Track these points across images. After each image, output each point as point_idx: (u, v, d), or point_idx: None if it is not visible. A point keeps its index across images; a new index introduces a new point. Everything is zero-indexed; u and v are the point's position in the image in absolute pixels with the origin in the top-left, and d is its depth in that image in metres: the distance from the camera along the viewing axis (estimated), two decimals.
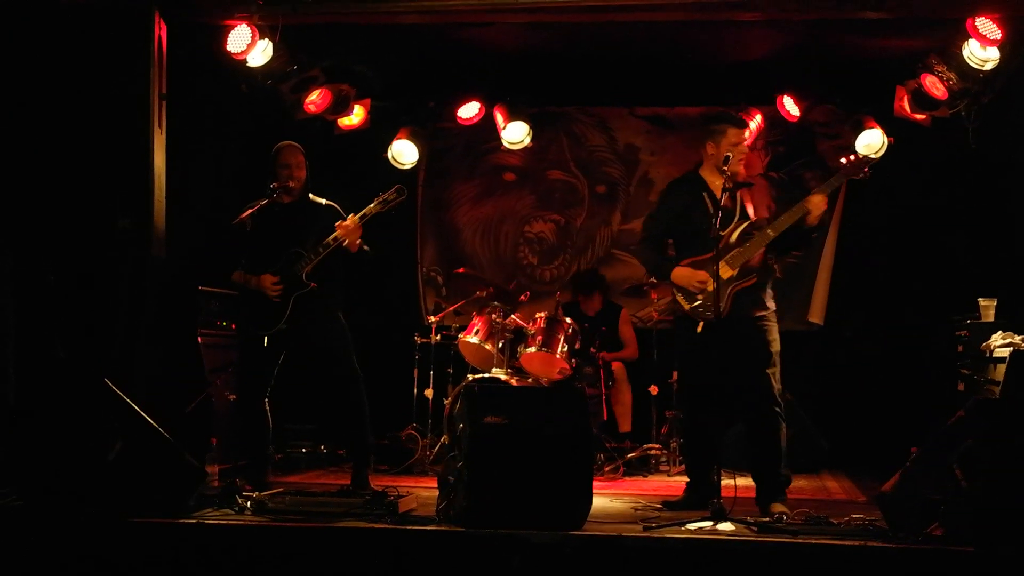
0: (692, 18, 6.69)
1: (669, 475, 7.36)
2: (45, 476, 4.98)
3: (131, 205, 6.37)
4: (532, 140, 8.31)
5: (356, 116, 7.80)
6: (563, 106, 9.06)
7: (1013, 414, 4.56)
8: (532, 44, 7.57)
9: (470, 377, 7.09)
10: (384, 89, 8.05)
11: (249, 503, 5.06)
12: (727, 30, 7.21)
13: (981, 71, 6.49)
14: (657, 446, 7.62)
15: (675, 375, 7.60)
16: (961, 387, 6.50)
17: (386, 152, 8.20)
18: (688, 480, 5.88)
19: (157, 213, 6.44)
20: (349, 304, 6.21)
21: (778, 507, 5.32)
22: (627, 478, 7.17)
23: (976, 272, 7.46)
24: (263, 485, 5.77)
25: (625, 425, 7.90)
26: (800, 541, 4.49)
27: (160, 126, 6.49)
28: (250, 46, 6.51)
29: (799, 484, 6.36)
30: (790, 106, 7.94)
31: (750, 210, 5.67)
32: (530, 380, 7.09)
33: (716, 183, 5.61)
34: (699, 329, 5.54)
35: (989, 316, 6.48)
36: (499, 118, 8.20)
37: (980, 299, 6.55)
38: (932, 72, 6.73)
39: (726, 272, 5.53)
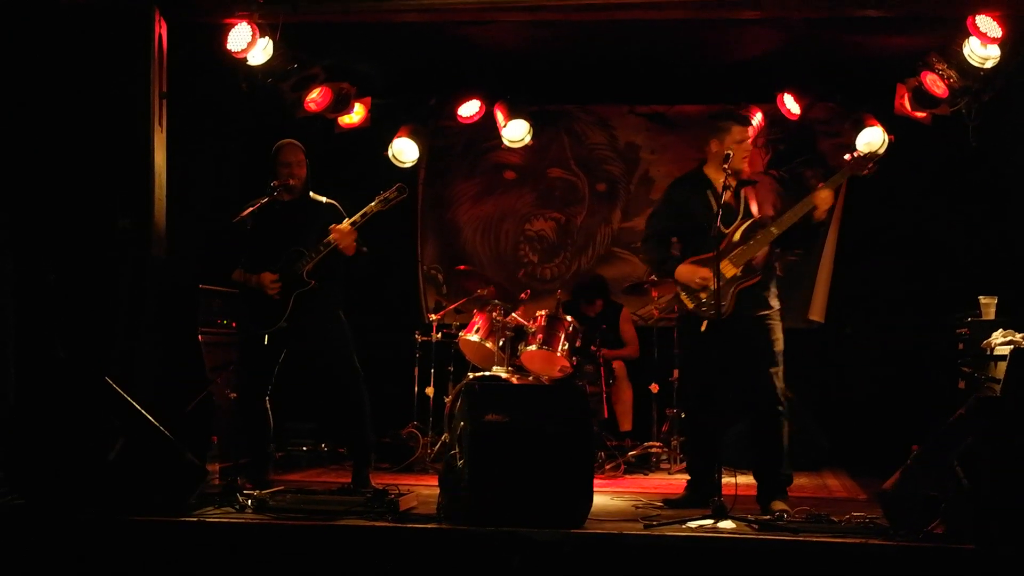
0: (692, 16, 6.69)
1: (670, 473, 7.35)
2: (45, 476, 4.98)
3: (131, 204, 6.37)
4: (532, 138, 8.31)
5: (356, 114, 7.80)
6: (563, 104, 9.05)
7: (1014, 412, 4.55)
8: (532, 42, 7.56)
9: (471, 375, 7.10)
10: (384, 87, 8.05)
11: (250, 501, 5.06)
12: (727, 28, 7.20)
13: (982, 69, 6.48)
14: (658, 444, 7.62)
15: (675, 373, 7.61)
16: (962, 385, 6.49)
17: (386, 150, 8.20)
18: (689, 478, 5.88)
19: (158, 212, 6.44)
20: (350, 302, 6.21)
21: (779, 505, 5.33)
22: (628, 476, 7.17)
23: (976, 272, 7.46)
24: (264, 483, 5.78)
25: (626, 424, 7.90)
26: (801, 539, 4.49)
27: (161, 125, 6.49)
28: (250, 44, 6.51)
29: (800, 482, 6.36)
30: (790, 104, 7.93)
31: (754, 208, 5.65)
32: (531, 378, 7.10)
33: (720, 181, 5.58)
34: (703, 328, 5.52)
35: (990, 314, 6.48)
36: (499, 116, 8.20)
37: (981, 297, 6.55)
38: (933, 70, 6.72)
39: (730, 271, 5.52)
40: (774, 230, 5.52)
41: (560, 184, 9.16)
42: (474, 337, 7.30)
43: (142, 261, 6.33)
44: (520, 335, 7.30)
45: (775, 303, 5.67)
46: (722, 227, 5.53)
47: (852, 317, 8.49)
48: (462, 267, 8.11)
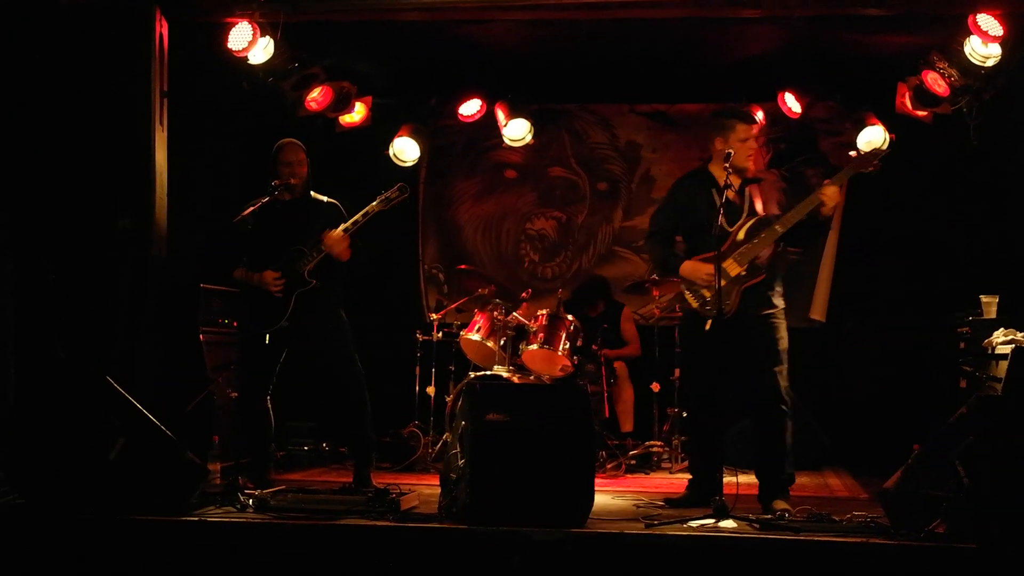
0: (693, 14, 6.70)
1: (671, 472, 7.35)
2: (45, 476, 4.97)
3: (131, 204, 6.37)
4: (533, 137, 8.31)
5: (357, 114, 7.80)
6: (564, 103, 9.05)
7: (1015, 411, 4.54)
8: (533, 41, 7.56)
9: (472, 374, 7.10)
10: (385, 86, 8.05)
11: (251, 501, 5.06)
12: (728, 26, 7.20)
13: (983, 67, 6.48)
14: (659, 443, 7.62)
15: (677, 372, 7.61)
16: (963, 384, 6.50)
17: (387, 150, 8.20)
18: (691, 477, 5.88)
19: (159, 211, 6.44)
20: (350, 302, 6.21)
21: (780, 504, 5.32)
22: (629, 475, 7.17)
23: (977, 271, 7.45)
24: (265, 483, 5.77)
25: (627, 425, 7.88)
26: (802, 538, 4.48)
27: (162, 124, 6.50)
28: (251, 44, 6.51)
29: (801, 481, 6.35)
30: (791, 103, 7.92)
31: (759, 206, 5.61)
32: (532, 377, 7.11)
33: (729, 178, 5.55)
34: (707, 327, 5.47)
35: (991, 313, 6.48)
36: (500, 115, 8.20)
37: (982, 296, 6.54)
38: (934, 68, 6.71)
39: (734, 269, 5.49)
40: (779, 228, 5.49)
41: (561, 183, 9.16)
42: (475, 336, 7.30)
43: (142, 261, 6.33)
44: (521, 334, 7.30)
45: (779, 302, 5.65)
46: (726, 225, 5.51)
47: (853, 316, 8.48)
48: (463, 267, 8.11)
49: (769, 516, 4.97)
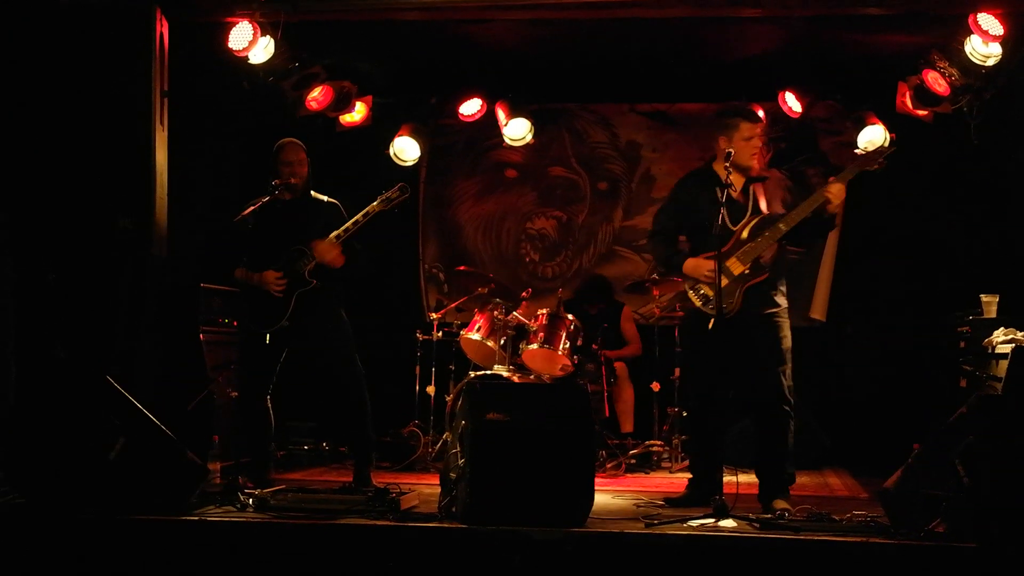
0: (693, 14, 6.69)
1: (671, 472, 7.36)
2: (45, 476, 4.97)
3: (131, 204, 6.37)
4: (534, 137, 8.29)
5: (358, 113, 7.79)
6: (564, 103, 9.05)
7: (1015, 410, 4.54)
8: (533, 41, 7.56)
9: (472, 374, 7.11)
10: (386, 86, 8.04)
11: (251, 500, 5.06)
12: (728, 26, 7.20)
13: (983, 67, 6.47)
14: (659, 443, 7.62)
15: (677, 372, 7.61)
16: (963, 383, 6.49)
17: (388, 149, 8.20)
18: (691, 476, 5.87)
19: (159, 211, 6.44)
20: (350, 302, 6.21)
21: (780, 504, 5.32)
22: (629, 475, 7.17)
23: (977, 271, 7.45)
24: (265, 482, 5.78)
25: (627, 425, 7.87)
26: (802, 538, 4.48)
27: (162, 124, 6.50)
28: (251, 43, 6.51)
29: (801, 480, 6.35)
30: (792, 102, 7.91)
31: (763, 204, 5.59)
32: (532, 377, 7.11)
33: (729, 177, 5.51)
34: (710, 326, 5.43)
35: (991, 312, 6.48)
36: (501, 115, 8.19)
37: (982, 295, 6.54)
38: (934, 68, 6.71)
39: (737, 268, 5.48)
40: (782, 227, 5.47)
41: (561, 182, 9.15)
42: (475, 336, 7.30)
43: (142, 261, 6.33)
44: (521, 334, 7.31)
45: (783, 301, 5.64)
46: (730, 224, 5.51)
47: (853, 316, 8.48)
48: (462, 268, 8.09)
49: (769, 515, 4.97)
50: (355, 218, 5.95)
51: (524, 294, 7.73)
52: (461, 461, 4.88)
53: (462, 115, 8.35)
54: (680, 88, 8.63)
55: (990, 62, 6.43)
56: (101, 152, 6.39)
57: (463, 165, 9.21)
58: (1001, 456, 4.37)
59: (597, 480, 5.00)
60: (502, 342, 7.24)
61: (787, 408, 5.50)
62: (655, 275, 7.75)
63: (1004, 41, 6.26)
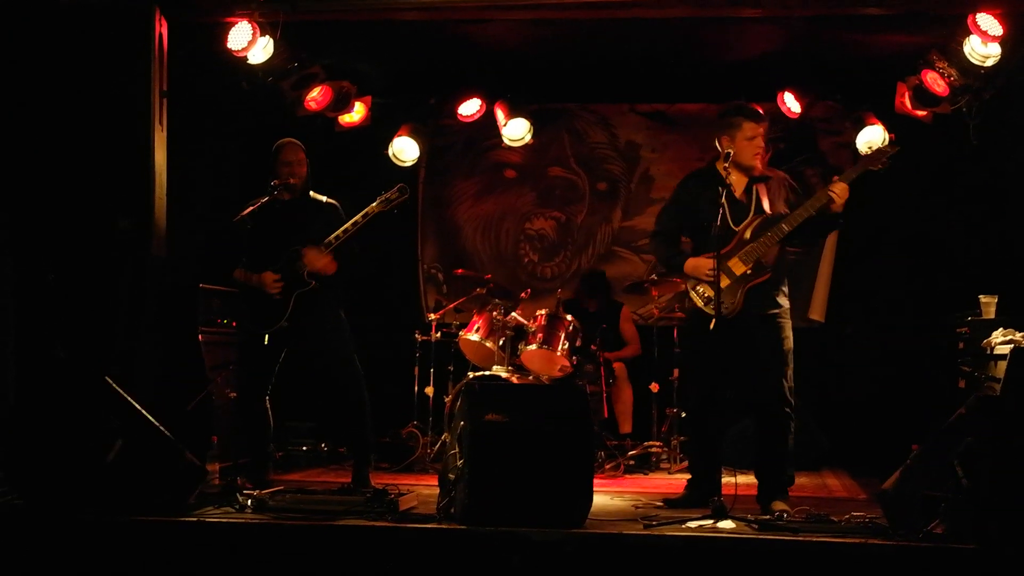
0: (693, 14, 6.70)
1: (670, 473, 7.35)
2: (45, 476, 4.97)
3: (131, 204, 6.37)
4: (533, 137, 8.29)
5: (357, 113, 7.79)
6: (564, 103, 9.05)
7: (1014, 411, 4.55)
8: (533, 41, 7.56)
9: (471, 375, 7.10)
10: (385, 86, 8.04)
11: (250, 501, 5.06)
12: (728, 26, 7.20)
13: (982, 67, 6.48)
14: (658, 444, 7.61)
15: (676, 372, 7.61)
16: (962, 384, 6.49)
17: (387, 149, 8.20)
18: (690, 477, 5.87)
19: (158, 211, 6.44)
20: (350, 302, 6.21)
21: (779, 505, 5.31)
22: (628, 476, 7.17)
23: (976, 271, 7.45)
24: (264, 483, 5.78)
25: (626, 426, 7.86)
26: (801, 539, 4.49)
27: (161, 123, 6.50)
28: (251, 43, 6.51)
29: (800, 481, 6.34)
30: (791, 102, 7.91)
31: (766, 204, 5.57)
32: (531, 378, 7.11)
33: (731, 177, 5.49)
34: (711, 326, 5.40)
35: (990, 313, 6.48)
36: (500, 115, 8.19)
37: (981, 296, 6.54)
38: (933, 68, 6.71)
39: (739, 268, 5.46)
40: (784, 227, 5.45)
41: (560, 183, 9.15)
42: (474, 336, 7.30)
43: (142, 261, 6.33)
44: (520, 334, 7.30)
45: (784, 302, 5.62)
46: (732, 224, 5.50)
47: (852, 317, 8.48)
48: (459, 271, 8.06)
49: (768, 517, 4.96)
50: (354, 219, 5.95)
51: (523, 295, 7.73)
52: (460, 462, 4.88)
53: (461, 115, 8.35)
54: (680, 88, 8.63)
55: (989, 62, 6.44)
56: (101, 152, 6.40)
57: (462, 165, 9.21)
58: (1000, 457, 4.38)
59: (596, 481, 5.01)
60: (501, 343, 7.24)
61: (788, 409, 5.49)
62: (654, 276, 7.75)
63: (1003, 41, 6.27)
